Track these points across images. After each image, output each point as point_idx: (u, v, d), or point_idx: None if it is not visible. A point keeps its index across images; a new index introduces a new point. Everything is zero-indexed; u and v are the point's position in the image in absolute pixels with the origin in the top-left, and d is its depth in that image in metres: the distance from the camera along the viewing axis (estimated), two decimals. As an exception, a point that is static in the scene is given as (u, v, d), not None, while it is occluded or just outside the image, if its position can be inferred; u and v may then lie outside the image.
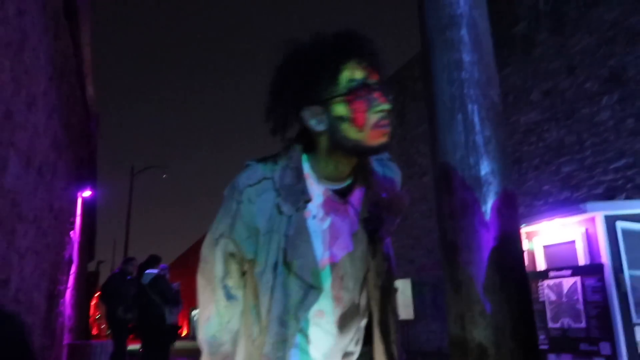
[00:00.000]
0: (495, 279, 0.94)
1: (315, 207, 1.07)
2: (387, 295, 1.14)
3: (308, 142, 1.10)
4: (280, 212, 1.04)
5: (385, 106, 1.03)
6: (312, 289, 1.06)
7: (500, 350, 0.92)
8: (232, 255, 1.09)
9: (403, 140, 11.22)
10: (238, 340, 1.11)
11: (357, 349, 1.16)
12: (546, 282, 4.28)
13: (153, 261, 5.91)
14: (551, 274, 4.25)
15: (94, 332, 16.61)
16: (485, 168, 0.99)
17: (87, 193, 9.49)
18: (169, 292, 5.61)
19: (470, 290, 0.95)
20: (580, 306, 3.94)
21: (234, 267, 1.10)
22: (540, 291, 4.29)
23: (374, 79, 1.05)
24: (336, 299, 1.08)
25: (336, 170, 1.08)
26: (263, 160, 1.10)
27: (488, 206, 0.97)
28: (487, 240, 0.95)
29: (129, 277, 6.53)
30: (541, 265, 4.52)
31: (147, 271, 5.79)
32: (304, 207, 1.05)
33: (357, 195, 1.12)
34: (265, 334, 1.04)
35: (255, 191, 1.05)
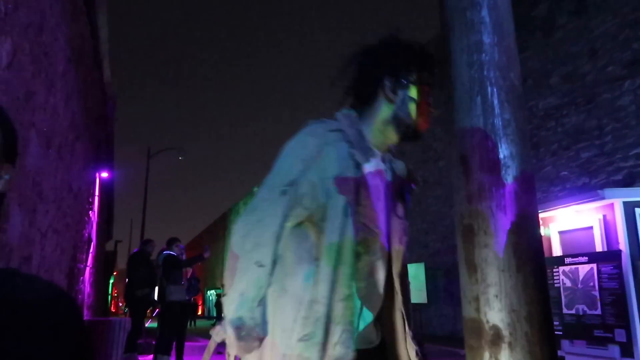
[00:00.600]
0: (511, 262, 0.94)
1: (370, 166, 1.18)
2: (404, 253, 1.23)
3: (362, 110, 1.26)
4: (354, 161, 1.15)
5: (435, 112, 1.21)
6: (376, 237, 1.14)
7: (515, 333, 0.92)
8: (296, 203, 1.11)
9: (419, 124, 11.13)
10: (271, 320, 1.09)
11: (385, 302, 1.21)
12: (562, 269, 4.24)
13: (170, 242, 6.07)
14: (567, 260, 4.22)
15: (112, 309, 16.99)
16: (504, 151, 0.98)
17: (104, 174, 9.63)
18: (169, 271, 5.72)
19: (485, 273, 0.96)
20: (596, 293, 3.91)
21: (291, 221, 1.13)
22: (556, 277, 4.27)
23: (429, 82, 1.24)
24: (394, 251, 1.18)
25: (381, 139, 1.23)
26: (323, 119, 1.25)
27: (506, 190, 0.96)
28: (504, 223, 0.95)
29: (134, 251, 6.73)
30: (557, 251, 4.48)
31: (164, 252, 5.94)
32: (369, 162, 1.17)
33: (389, 162, 1.27)
34: (328, 280, 1.06)
35: (336, 136, 1.17)
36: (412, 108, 1.20)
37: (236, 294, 1.08)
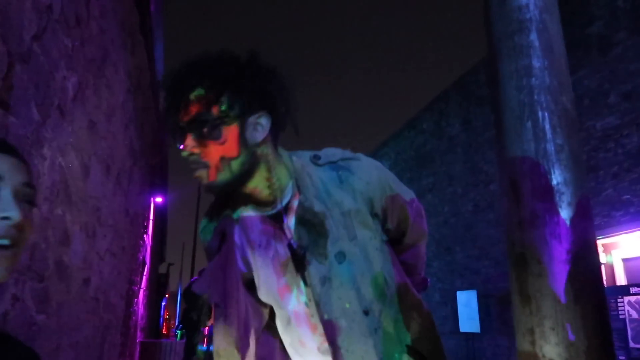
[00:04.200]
0: (568, 293, 0.90)
1: (256, 235, 1.03)
2: (354, 320, 0.99)
3: None
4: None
5: (184, 153, 0.95)
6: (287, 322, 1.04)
7: (574, 368, 0.88)
8: None
9: (468, 147, 10.91)
10: None
11: None
12: (627, 299, 3.99)
13: None
14: (633, 290, 3.96)
15: (164, 331, 17.37)
16: (557, 177, 0.95)
17: (159, 198, 10.00)
18: None
19: (540, 305, 0.92)
20: (666, 326, 3.64)
21: None
22: (621, 308, 4.01)
23: (185, 120, 0.95)
24: (310, 327, 1.02)
25: (252, 199, 1.02)
26: None
27: (560, 217, 0.93)
28: (559, 252, 0.91)
29: (193, 280, 6.96)
30: (621, 280, 4.22)
31: None
32: (226, 239, 1.04)
33: (293, 216, 1.02)
34: None
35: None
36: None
37: None
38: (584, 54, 7.80)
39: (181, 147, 0.94)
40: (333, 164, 1.05)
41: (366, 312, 0.97)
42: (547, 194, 0.94)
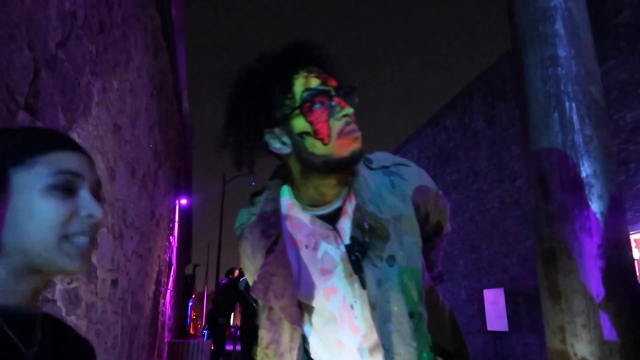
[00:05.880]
0: (600, 289, 0.87)
1: (304, 236, 1.02)
2: (401, 322, 0.99)
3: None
4: (262, 247, 1.01)
5: (348, 110, 0.93)
6: (329, 321, 1.03)
7: (608, 367, 0.84)
8: None
9: (492, 144, 10.74)
10: None
11: None
12: (661, 295, 3.87)
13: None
14: (667, 286, 3.84)
15: (191, 331, 17.61)
16: (586, 170, 0.92)
17: (183, 200, 10.14)
18: None
19: (571, 301, 0.89)
20: None
21: None
22: (655, 305, 3.89)
23: (331, 85, 0.95)
24: (352, 329, 1.02)
25: (317, 193, 0.99)
26: (257, 194, 1.10)
27: (590, 211, 0.90)
28: (590, 247, 0.88)
29: (222, 282, 7.09)
30: (655, 277, 4.10)
31: (242, 279, 6.27)
32: (278, 239, 1.01)
33: (347, 219, 1.01)
34: None
35: (248, 229, 1.05)
36: (310, 143, 0.92)
37: None
38: (612, 45, 7.59)
39: (344, 105, 0.93)
40: (386, 169, 1.07)
41: (411, 315, 0.98)
42: (577, 186, 0.91)
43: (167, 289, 7.39)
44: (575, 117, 0.94)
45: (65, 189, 0.67)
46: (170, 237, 7.81)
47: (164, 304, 6.91)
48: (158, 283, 6.02)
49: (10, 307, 0.65)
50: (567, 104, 0.96)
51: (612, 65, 7.56)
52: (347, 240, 0.99)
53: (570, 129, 0.94)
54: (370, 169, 1.06)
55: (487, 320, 9.03)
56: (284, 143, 0.95)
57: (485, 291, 9.21)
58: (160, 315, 6.37)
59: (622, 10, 7.61)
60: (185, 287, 14.83)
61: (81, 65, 2.22)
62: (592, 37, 1.06)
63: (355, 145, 0.93)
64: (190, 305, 17.53)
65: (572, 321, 0.88)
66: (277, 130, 0.95)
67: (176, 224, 9.26)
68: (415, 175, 1.09)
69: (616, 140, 7.37)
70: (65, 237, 0.66)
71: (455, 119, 12.11)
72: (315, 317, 1.07)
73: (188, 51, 6.12)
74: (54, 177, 0.66)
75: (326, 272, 1.01)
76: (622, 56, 7.51)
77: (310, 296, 1.03)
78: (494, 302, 8.12)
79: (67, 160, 0.69)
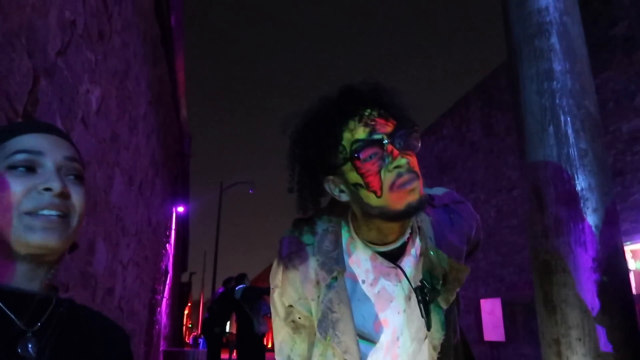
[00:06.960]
0: (595, 302, 0.87)
1: (363, 271, 1.02)
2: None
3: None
4: (318, 281, 0.99)
5: (399, 161, 0.87)
6: (371, 346, 1.03)
7: (603, 380, 0.85)
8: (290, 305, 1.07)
9: (490, 153, 10.77)
10: None
11: None
12: (658, 307, 3.87)
13: (241, 278, 6.43)
14: (664, 297, 3.84)
15: (187, 339, 17.49)
16: (581, 183, 0.92)
17: (180, 208, 10.12)
18: (257, 304, 5.92)
19: (566, 314, 0.89)
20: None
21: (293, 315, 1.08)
22: (651, 316, 3.89)
23: (382, 132, 0.90)
24: (393, 357, 1.04)
25: (380, 234, 0.98)
26: (305, 222, 1.06)
27: (585, 224, 0.90)
28: (585, 260, 0.89)
29: (218, 291, 7.07)
30: (651, 288, 4.10)
31: (237, 287, 6.25)
32: (341, 275, 0.99)
33: (410, 257, 1.02)
34: None
35: (298, 258, 1.02)
36: (364, 195, 0.90)
37: (276, 342, 1.14)
38: (608, 56, 7.65)
39: (397, 155, 0.88)
40: (446, 207, 1.08)
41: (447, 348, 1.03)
42: (572, 200, 0.92)
43: (163, 297, 7.35)
44: (570, 131, 0.95)
45: (25, 167, 0.70)
46: (167, 244, 7.78)
47: (160, 312, 6.87)
48: (154, 291, 5.99)
49: (6, 285, 0.68)
50: (562, 117, 0.96)
51: (608, 76, 7.62)
52: (405, 280, 1.00)
53: (565, 143, 0.95)
54: (433, 206, 1.07)
55: (484, 330, 9.01)
56: (342, 191, 0.95)
57: (482, 301, 9.18)
58: (156, 324, 6.33)
59: (617, 22, 7.69)
60: (181, 295, 14.76)
61: (80, 74, 2.23)
62: (587, 51, 1.07)
63: (411, 198, 0.88)
64: (186, 314, 17.42)
65: (568, 334, 0.89)
66: (335, 178, 0.95)
67: (173, 232, 9.23)
68: (470, 213, 1.11)
69: (612, 151, 7.41)
70: (28, 213, 0.68)
71: (452, 128, 12.15)
72: (361, 344, 1.09)
73: (186, 60, 6.16)
74: (12, 157, 0.69)
75: (381, 307, 1.02)
76: (618, 67, 7.57)
77: (362, 326, 1.03)
78: (491, 311, 8.11)
79: (27, 141, 0.71)
